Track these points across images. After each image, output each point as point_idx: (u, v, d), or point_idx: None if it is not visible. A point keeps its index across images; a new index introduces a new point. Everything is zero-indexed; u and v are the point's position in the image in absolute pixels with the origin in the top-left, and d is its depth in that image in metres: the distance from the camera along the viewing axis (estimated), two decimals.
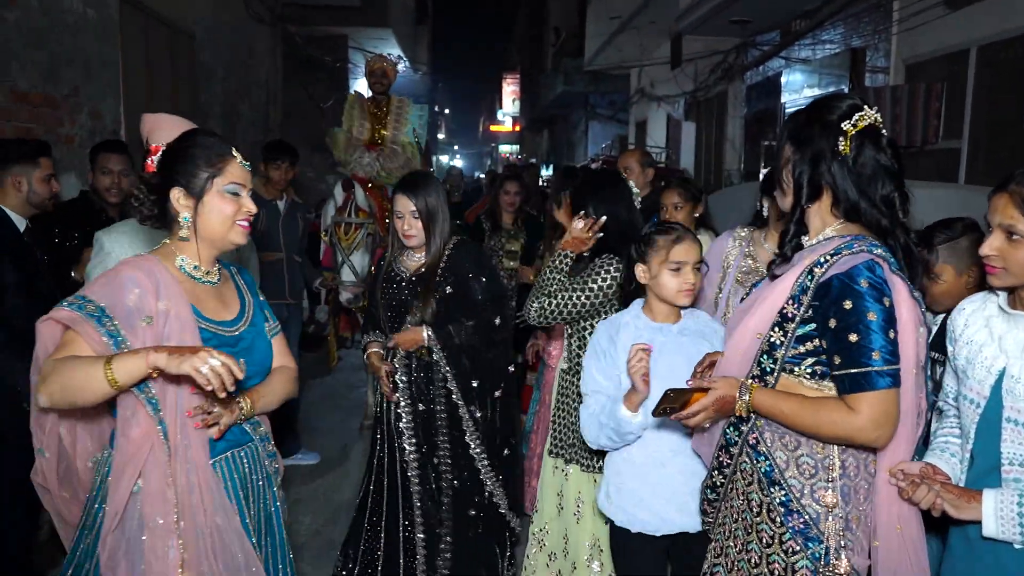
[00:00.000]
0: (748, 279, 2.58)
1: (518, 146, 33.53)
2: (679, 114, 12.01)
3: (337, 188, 4.78)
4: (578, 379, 2.49)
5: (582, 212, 2.62)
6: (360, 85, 9.55)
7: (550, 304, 2.57)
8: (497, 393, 2.81)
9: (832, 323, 1.57)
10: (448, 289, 2.70)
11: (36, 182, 2.94)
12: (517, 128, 33.60)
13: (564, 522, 2.69)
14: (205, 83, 6.90)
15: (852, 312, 1.54)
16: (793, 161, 1.70)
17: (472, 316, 2.70)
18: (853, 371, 1.55)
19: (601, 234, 2.59)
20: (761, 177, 2.69)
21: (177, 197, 1.78)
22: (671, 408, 1.70)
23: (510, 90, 33.81)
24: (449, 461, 2.73)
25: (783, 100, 8.57)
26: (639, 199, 2.79)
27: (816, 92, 7.73)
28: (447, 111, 49.58)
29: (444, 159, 26.68)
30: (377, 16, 10.70)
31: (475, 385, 2.73)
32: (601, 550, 2.58)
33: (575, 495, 2.65)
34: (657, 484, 2.17)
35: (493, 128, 39.65)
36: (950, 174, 5.55)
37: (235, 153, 1.86)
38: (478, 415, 2.74)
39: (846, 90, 6.86)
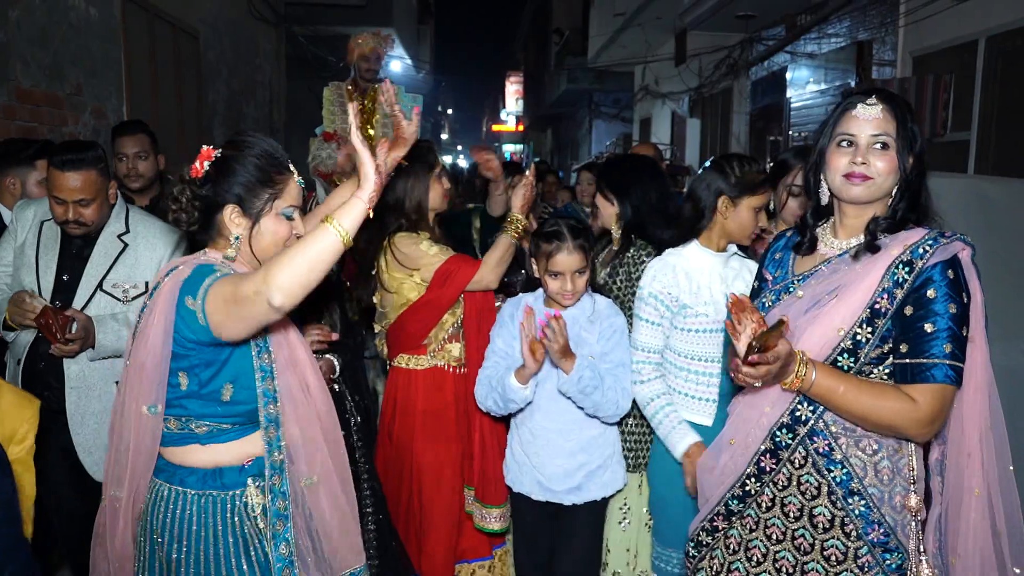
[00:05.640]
0: None
1: (523, 145, 33.49)
2: (684, 111, 11.94)
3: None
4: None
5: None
6: None
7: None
8: None
9: (908, 310, 1.50)
10: None
11: (31, 185, 2.88)
12: (521, 128, 33.54)
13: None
14: (210, 82, 6.89)
15: (934, 302, 1.48)
16: None
17: None
18: (922, 360, 1.47)
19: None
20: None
21: (231, 216, 1.59)
22: (759, 345, 1.39)
23: (513, 89, 33.75)
24: None
25: (788, 95, 8.51)
26: None
27: (822, 87, 7.68)
28: (450, 111, 49.55)
29: (447, 159, 26.64)
30: (380, 15, 10.71)
31: None
32: (636, 555, 2.51)
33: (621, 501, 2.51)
34: (554, 454, 2.29)
35: (496, 128, 39.60)
36: (959, 166, 5.49)
37: (293, 169, 1.66)
38: None
39: (853, 84, 6.81)
